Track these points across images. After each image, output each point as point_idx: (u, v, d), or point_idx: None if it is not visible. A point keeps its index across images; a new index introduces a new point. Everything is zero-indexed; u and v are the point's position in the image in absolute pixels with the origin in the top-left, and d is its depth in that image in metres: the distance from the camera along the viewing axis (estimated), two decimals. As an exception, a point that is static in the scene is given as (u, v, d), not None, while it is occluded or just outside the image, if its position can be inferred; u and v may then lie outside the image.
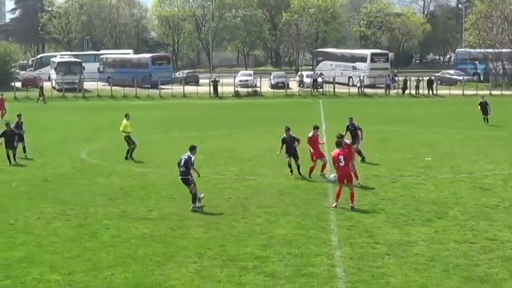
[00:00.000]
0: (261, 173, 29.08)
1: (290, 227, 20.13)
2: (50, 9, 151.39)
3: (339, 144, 23.28)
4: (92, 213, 22.38)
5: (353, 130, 31.96)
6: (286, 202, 23.54)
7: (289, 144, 27.95)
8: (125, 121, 34.15)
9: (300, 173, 27.89)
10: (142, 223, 20.99)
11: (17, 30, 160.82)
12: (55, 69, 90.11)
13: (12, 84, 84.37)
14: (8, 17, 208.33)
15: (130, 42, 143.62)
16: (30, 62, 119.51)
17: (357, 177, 25.30)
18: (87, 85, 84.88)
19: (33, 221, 21.46)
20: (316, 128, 28.93)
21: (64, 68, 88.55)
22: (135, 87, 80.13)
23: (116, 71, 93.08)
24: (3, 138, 32.29)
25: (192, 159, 22.93)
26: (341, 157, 22.51)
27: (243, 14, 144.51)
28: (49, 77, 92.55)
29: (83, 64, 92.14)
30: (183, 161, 22.91)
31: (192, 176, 22.95)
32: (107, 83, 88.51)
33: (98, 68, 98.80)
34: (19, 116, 35.42)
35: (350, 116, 33.38)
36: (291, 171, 28.23)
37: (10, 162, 32.00)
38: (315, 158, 28.04)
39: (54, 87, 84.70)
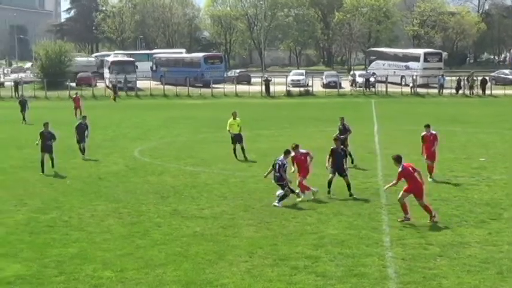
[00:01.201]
0: (312, 173, 28.96)
1: (341, 227, 20.05)
2: (104, 8, 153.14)
3: (399, 160, 20.84)
4: (144, 211, 22.56)
5: (343, 131, 31.04)
6: (337, 202, 23.43)
7: (337, 157, 24.42)
8: (230, 119, 33.45)
9: (351, 194, 24.15)
10: (194, 221, 21.09)
11: (72, 29, 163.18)
12: (109, 68, 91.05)
13: (67, 83, 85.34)
14: (64, 16, 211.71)
15: (183, 42, 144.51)
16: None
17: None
18: (140, 84, 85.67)
19: (87, 218, 21.71)
20: (427, 126, 27.47)
21: (118, 67, 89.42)
22: (187, 86, 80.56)
23: (169, 70, 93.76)
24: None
25: (285, 165, 23.18)
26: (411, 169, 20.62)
27: (295, 13, 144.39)
28: (103, 75, 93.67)
29: (136, 63, 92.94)
30: (277, 166, 23.16)
31: (285, 180, 23.11)
32: (159, 82, 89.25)
33: (151, 67, 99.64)
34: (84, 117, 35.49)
35: (341, 116, 32.73)
36: (329, 192, 24.20)
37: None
38: (425, 157, 27.06)
39: (107, 86, 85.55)
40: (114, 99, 74.95)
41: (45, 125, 30.58)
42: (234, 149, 32.72)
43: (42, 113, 55.52)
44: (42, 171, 29.25)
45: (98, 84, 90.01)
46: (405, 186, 20.59)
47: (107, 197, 24.71)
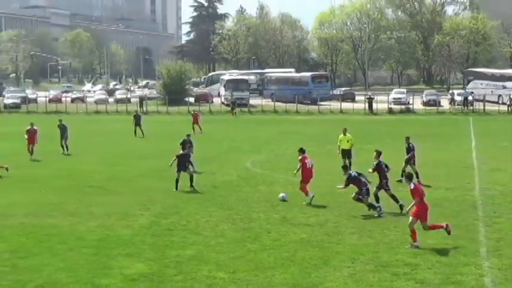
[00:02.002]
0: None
1: (440, 237, 19.65)
2: (220, 31, 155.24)
3: (410, 178, 19.49)
4: (255, 218, 22.69)
5: (409, 150, 29.83)
6: (436, 213, 22.95)
7: (382, 171, 23.77)
8: (341, 135, 33.07)
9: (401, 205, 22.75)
10: (301, 228, 21.09)
11: (191, 51, 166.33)
12: (224, 86, 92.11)
13: (186, 99, 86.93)
14: (184, 39, 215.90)
15: (292, 62, 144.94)
16: (202, 79, 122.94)
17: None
18: (252, 101, 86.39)
19: (203, 223, 21.99)
20: None
21: (232, 85, 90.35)
22: (296, 103, 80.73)
23: (279, 88, 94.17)
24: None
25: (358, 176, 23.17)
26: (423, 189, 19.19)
27: (397, 36, 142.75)
28: (219, 93, 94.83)
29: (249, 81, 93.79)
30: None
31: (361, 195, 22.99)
32: (270, 99, 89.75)
33: (257, 85, 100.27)
34: (188, 135, 35.38)
35: (407, 135, 31.26)
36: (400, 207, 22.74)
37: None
38: None
39: (223, 103, 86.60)
40: (234, 114, 75.71)
41: (184, 144, 30.31)
42: (344, 164, 32.19)
43: (162, 127, 56.73)
44: (176, 188, 27.72)
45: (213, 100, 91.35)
46: (413, 210, 18.90)
47: (221, 205, 24.98)
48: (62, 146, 41.39)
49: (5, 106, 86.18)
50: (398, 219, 21.89)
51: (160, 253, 18.33)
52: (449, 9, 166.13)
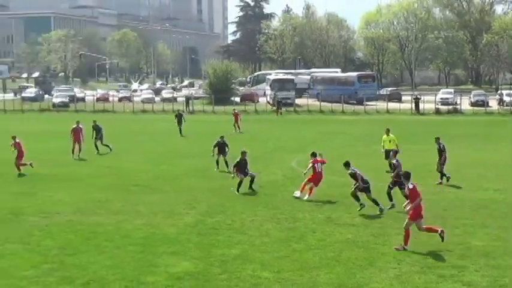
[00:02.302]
0: (458, 186, 28.27)
1: (487, 239, 19.41)
2: (266, 31, 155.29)
3: (407, 177, 19.24)
4: (300, 217, 22.66)
5: (440, 151, 29.33)
6: (483, 215, 22.71)
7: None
8: (384, 136, 32.87)
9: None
10: (346, 229, 21.01)
11: (237, 50, 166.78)
12: (270, 85, 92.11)
13: (232, 98, 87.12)
14: (230, 38, 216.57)
15: (338, 62, 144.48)
16: (248, 79, 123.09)
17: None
18: (298, 101, 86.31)
19: (248, 222, 22.03)
20: None
21: (278, 84, 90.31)
22: (341, 103, 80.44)
23: (325, 88, 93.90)
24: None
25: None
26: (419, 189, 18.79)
27: (445, 36, 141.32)
28: (264, 92, 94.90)
29: (295, 81, 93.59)
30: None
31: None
32: (316, 99, 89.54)
33: (309, 85, 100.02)
34: (222, 137, 35.17)
35: (437, 136, 30.67)
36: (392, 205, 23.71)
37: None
38: None
39: (268, 102, 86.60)
40: (278, 114, 75.77)
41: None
42: (390, 164, 32.01)
43: (208, 126, 56.89)
44: (237, 190, 27.26)
45: (259, 100, 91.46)
46: (411, 212, 18.59)
47: (266, 204, 24.99)
48: (96, 146, 41.29)
49: (54, 105, 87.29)
50: (445, 221, 21.67)
51: (205, 252, 18.40)
52: (498, 9, 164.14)
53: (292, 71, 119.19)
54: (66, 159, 37.30)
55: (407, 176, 19.30)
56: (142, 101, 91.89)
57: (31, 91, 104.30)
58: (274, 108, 78.82)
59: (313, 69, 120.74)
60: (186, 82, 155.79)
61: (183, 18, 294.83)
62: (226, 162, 32.65)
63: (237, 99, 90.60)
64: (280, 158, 38.69)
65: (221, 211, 23.73)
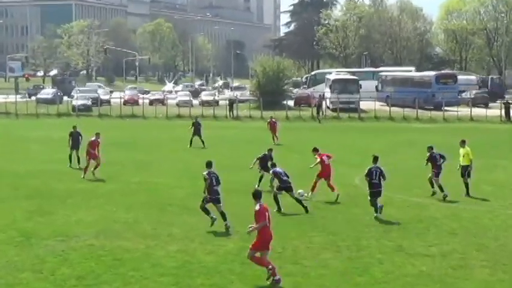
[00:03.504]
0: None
1: None
2: (326, 22, 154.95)
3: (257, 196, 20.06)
4: (364, 245, 22.55)
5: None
6: None
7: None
8: (461, 149, 32.88)
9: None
10: (419, 259, 20.84)
11: (290, 45, 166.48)
12: (330, 86, 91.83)
13: (285, 102, 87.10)
14: (283, 31, 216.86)
15: (412, 59, 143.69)
16: (303, 79, 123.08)
17: None
18: (363, 105, 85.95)
19: (302, 250, 21.99)
20: None
21: (339, 85, 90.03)
22: (416, 108, 79.88)
23: (396, 90, 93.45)
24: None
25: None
26: None
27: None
28: (323, 95, 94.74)
29: (360, 82, 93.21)
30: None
31: None
32: (385, 103, 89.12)
33: (376, 87, 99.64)
34: (270, 150, 35.15)
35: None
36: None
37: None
38: None
39: (328, 107, 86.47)
40: (318, 120, 75.95)
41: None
42: (465, 184, 31.75)
43: (255, 134, 56.96)
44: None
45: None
46: (254, 240, 19.03)
47: (324, 228, 24.92)
48: (70, 157, 40.42)
49: (74, 108, 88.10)
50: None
51: (250, 285, 18.41)
52: None
53: (357, 69, 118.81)
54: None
55: (256, 195, 19.84)
56: (178, 104, 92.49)
57: (47, 92, 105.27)
58: (335, 113, 78.77)
59: (381, 68, 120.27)
60: (219, 82, 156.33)
61: (227, 7, 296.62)
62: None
63: (290, 102, 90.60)
64: (341, 173, 38.38)
65: (270, 236, 23.69)
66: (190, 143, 51.48)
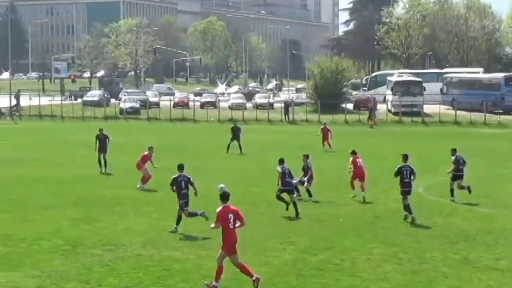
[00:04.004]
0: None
1: None
2: (388, 20, 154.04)
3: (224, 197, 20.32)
4: (428, 258, 22.43)
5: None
6: None
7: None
8: None
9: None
10: (487, 274, 20.68)
11: (350, 44, 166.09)
12: (391, 89, 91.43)
13: (343, 105, 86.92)
14: (341, 29, 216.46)
15: (479, 59, 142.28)
16: (363, 80, 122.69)
17: None
18: (427, 108, 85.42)
19: (361, 262, 21.93)
20: None
21: (402, 88, 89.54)
22: (484, 113, 79.20)
23: (462, 93, 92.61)
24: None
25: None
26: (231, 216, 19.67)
27: None
28: (384, 98, 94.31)
29: (424, 84, 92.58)
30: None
31: None
32: (450, 107, 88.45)
33: (441, 89, 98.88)
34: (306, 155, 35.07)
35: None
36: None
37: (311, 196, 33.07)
38: None
39: (389, 110, 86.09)
40: (372, 124, 75.87)
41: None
42: None
43: (311, 139, 56.87)
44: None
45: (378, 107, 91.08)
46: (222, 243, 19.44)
47: (385, 239, 24.83)
48: (100, 162, 41.17)
49: (121, 111, 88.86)
50: None
51: (306, 298, 18.41)
52: None
53: (420, 71, 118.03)
54: (135, 179, 37.89)
55: (221, 196, 20.16)
56: (230, 107, 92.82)
57: (94, 94, 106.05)
58: (397, 118, 78.47)
59: (447, 69, 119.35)
60: (272, 84, 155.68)
61: (282, 4, 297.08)
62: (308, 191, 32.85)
63: (349, 105, 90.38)
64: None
65: (327, 247, 23.70)
66: (228, 149, 51.60)
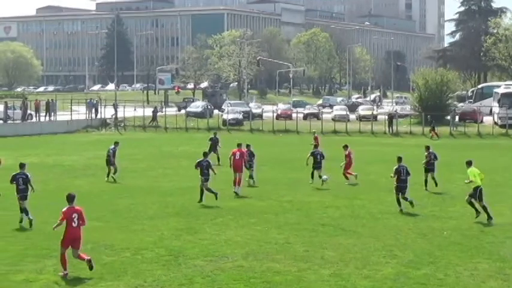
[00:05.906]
0: None
1: None
2: (495, 31, 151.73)
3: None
4: (536, 274, 21.97)
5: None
6: None
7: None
8: None
9: None
10: None
11: (455, 55, 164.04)
12: (498, 101, 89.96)
13: (448, 118, 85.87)
14: (447, 41, 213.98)
15: None
16: (469, 92, 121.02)
17: None
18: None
19: (466, 277, 21.59)
20: None
21: (509, 100, 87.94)
22: None
23: None
24: None
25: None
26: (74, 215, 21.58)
27: None
28: (491, 110, 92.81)
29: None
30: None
31: None
32: None
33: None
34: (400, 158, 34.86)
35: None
36: None
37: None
38: None
39: (496, 123, 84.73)
40: (432, 136, 75.11)
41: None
42: None
43: (420, 151, 56.35)
44: None
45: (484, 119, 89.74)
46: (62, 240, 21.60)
47: (491, 254, 24.39)
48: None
49: (224, 122, 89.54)
50: None
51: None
52: None
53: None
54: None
55: (67, 198, 21.82)
56: (334, 119, 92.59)
57: (197, 105, 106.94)
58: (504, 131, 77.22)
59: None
60: (373, 95, 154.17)
61: (387, 15, 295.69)
62: (411, 203, 32.70)
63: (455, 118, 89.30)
64: (510, 195, 37.71)
65: (430, 261, 23.42)
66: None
